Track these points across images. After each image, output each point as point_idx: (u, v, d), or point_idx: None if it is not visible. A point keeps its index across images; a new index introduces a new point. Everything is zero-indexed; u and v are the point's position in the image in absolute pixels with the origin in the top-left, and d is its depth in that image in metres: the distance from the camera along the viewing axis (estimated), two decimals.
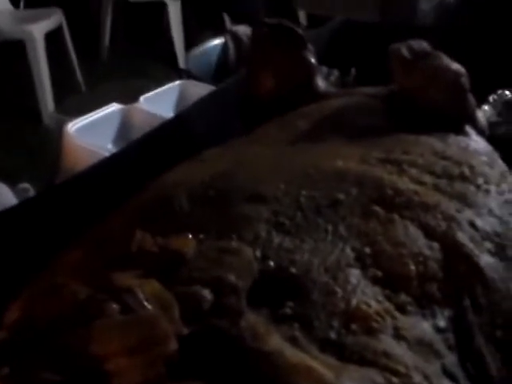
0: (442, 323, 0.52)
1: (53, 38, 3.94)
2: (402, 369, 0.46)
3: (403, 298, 0.52)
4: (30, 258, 0.72)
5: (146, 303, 0.45)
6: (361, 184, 0.61)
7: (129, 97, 1.59)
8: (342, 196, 0.59)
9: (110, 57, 4.56)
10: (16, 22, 3.81)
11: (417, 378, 0.46)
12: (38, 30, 3.65)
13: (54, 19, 3.85)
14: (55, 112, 3.80)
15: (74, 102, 3.84)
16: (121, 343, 0.40)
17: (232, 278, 0.50)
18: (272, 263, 0.52)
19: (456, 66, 0.77)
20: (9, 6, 4.01)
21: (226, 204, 0.60)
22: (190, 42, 4.32)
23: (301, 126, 0.76)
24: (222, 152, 0.73)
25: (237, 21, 4.07)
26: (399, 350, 0.48)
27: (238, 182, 0.63)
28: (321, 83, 0.89)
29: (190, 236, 0.54)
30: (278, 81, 0.87)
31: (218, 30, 4.20)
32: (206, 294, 0.48)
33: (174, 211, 0.60)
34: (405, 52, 0.78)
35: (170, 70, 4.12)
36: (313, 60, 0.88)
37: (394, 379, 0.45)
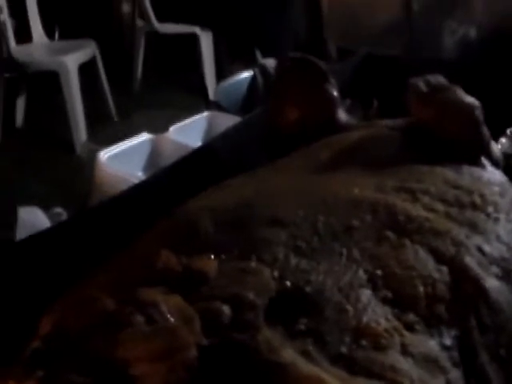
0: (448, 341, 0.55)
1: (87, 70, 4.02)
2: (407, 382, 0.49)
3: (411, 317, 0.55)
4: (62, 276, 0.76)
5: (168, 316, 0.48)
6: (375, 211, 0.64)
7: (159, 127, 1.64)
8: (356, 222, 0.63)
9: (141, 88, 4.63)
10: (51, 54, 3.90)
11: None
12: (71, 61, 3.73)
13: (87, 51, 3.93)
14: (87, 141, 3.87)
15: (106, 131, 3.91)
16: (145, 350, 0.44)
17: (250, 295, 0.53)
18: (288, 283, 0.56)
19: (471, 100, 0.80)
20: (44, 38, 4.11)
21: (247, 228, 0.63)
22: (221, 74, 4.40)
23: (322, 156, 0.80)
24: (246, 180, 0.77)
25: (267, 54, 4.14)
26: (406, 364, 0.51)
27: (259, 207, 0.66)
28: (342, 115, 0.93)
29: (212, 257, 0.57)
30: (302, 113, 0.91)
31: (249, 63, 4.28)
32: (226, 309, 0.52)
33: (199, 234, 0.64)
34: (422, 86, 0.81)
35: (199, 101, 4.19)
36: (335, 93, 0.92)
37: None
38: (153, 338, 0.45)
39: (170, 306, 0.49)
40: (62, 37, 4.61)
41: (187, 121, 1.27)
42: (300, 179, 0.75)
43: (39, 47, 3.94)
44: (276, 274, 0.57)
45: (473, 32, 1.39)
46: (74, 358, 0.46)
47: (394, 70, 1.24)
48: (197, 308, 0.51)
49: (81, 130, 3.78)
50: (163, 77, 4.72)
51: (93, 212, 0.82)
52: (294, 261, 0.59)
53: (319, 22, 4.10)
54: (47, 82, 4.07)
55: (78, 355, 0.46)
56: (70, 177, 3.54)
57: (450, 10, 1.39)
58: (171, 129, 1.22)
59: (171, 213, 0.73)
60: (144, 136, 1.19)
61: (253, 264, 0.58)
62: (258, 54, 4.50)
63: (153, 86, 4.62)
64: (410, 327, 0.54)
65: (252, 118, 1.04)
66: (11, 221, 0.92)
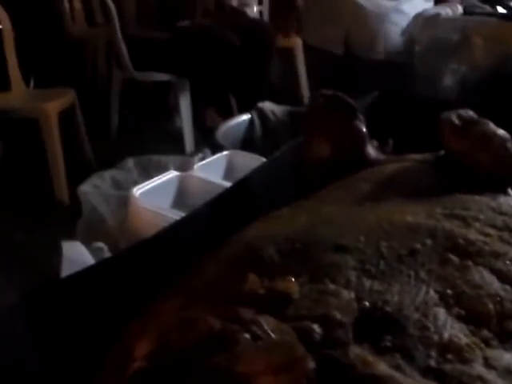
0: None
1: (64, 118, 4.04)
2: None
3: (486, 333, 0.58)
4: (112, 310, 0.78)
5: (271, 333, 0.51)
6: (433, 235, 0.67)
7: None
8: (418, 246, 0.66)
9: (119, 135, 4.66)
10: (30, 101, 3.92)
11: None
12: (52, 108, 3.75)
13: (67, 98, 3.96)
14: (67, 188, 3.87)
15: (86, 178, 3.92)
16: (266, 363, 0.46)
17: (337, 314, 0.56)
18: (367, 303, 0.59)
19: (502, 132, 0.84)
20: (23, 86, 4.13)
21: (313, 254, 0.66)
22: (197, 121, 4.45)
23: (363, 188, 0.83)
24: (294, 211, 0.80)
25: (242, 100, 4.20)
26: (491, 376, 0.54)
27: (320, 235, 0.69)
28: (371, 151, 0.96)
29: (293, 279, 0.60)
30: (333, 148, 0.94)
31: (224, 110, 4.33)
32: (316, 328, 0.55)
33: (264, 261, 0.67)
34: (455, 119, 0.85)
35: (177, 147, 4.22)
36: (364, 129, 0.95)
37: None
38: (273, 351, 0.47)
39: (269, 325, 0.52)
40: (36, 86, 4.64)
41: (209, 159, 1.32)
42: (347, 209, 0.78)
43: (18, 95, 3.95)
44: (352, 295, 0.60)
45: (472, 73, 1.44)
46: (188, 375, 0.48)
47: (407, 108, 1.28)
48: (289, 327, 0.54)
49: (61, 177, 3.79)
50: (140, 124, 4.75)
51: (139, 247, 0.84)
52: (367, 283, 0.61)
53: (294, 68, 4.18)
54: (26, 130, 4.08)
55: (193, 372, 0.48)
56: (51, 222, 3.53)
57: (450, 51, 1.44)
58: (195, 167, 1.26)
59: (225, 244, 0.76)
60: (171, 173, 1.23)
61: (330, 286, 0.60)
62: (233, 101, 4.56)
63: (130, 133, 4.65)
64: (486, 342, 0.57)
65: (282, 154, 1.08)
66: (56, 255, 0.94)
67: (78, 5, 5.32)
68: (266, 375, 0.46)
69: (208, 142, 1.74)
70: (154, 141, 4.47)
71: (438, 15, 1.57)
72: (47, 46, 5.04)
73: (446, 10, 1.62)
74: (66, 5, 5.20)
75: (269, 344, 0.48)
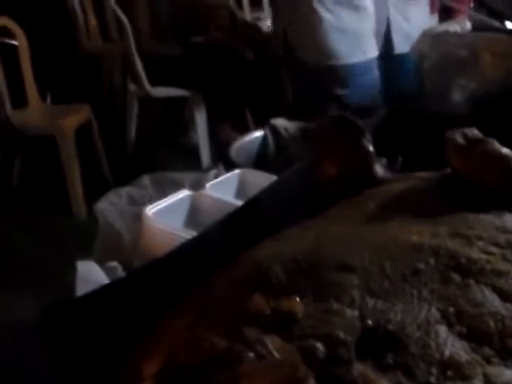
0: None
1: (81, 134, 4.08)
2: None
3: (487, 350, 0.60)
4: (126, 328, 0.80)
5: (275, 352, 0.53)
6: (437, 254, 0.69)
7: None
8: (421, 265, 0.68)
9: (135, 151, 4.70)
10: (47, 118, 3.97)
11: None
12: (68, 124, 3.80)
13: (83, 114, 4.01)
14: (84, 204, 3.90)
15: (103, 194, 3.95)
16: (269, 380, 0.48)
17: (341, 333, 0.58)
18: (370, 322, 0.60)
19: (507, 151, 0.86)
20: (40, 103, 4.18)
21: (318, 274, 0.68)
22: (213, 135, 4.48)
23: (370, 207, 0.84)
24: (302, 230, 0.82)
25: (257, 115, 4.23)
26: None
27: (326, 254, 0.71)
28: (379, 169, 0.98)
29: (298, 299, 0.62)
30: (341, 168, 0.96)
31: (239, 125, 4.35)
32: (320, 346, 0.56)
33: (271, 281, 0.68)
34: (459, 139, 0.87)
35: (193, 163, 4.26)
36: (371, 149, 0.97)
37: None
38: (275, 369, 0.49)
39: (274, 344, 0.54)
40: (53, 102, 4.69)
41: (221, 178, 1.34)
42: (356, 228, 0.80)
43: (35, 111, 4.00)
44: (356, 313, 0.61)
45: (482, 89, 1.45)
46: None
47: (415, 126, 1.30)
48: (294, 346, 0.56)
49: (78, 193, 3.83)
50: (156, 139, 4.79)
51: (153, 267, 0.86)
52: (370, 302, 0.63)
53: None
54: (42, 146, 4.12)
55: None
56: (68, 238, 3.57)
57: (459, 67, 1.46)
58: (207, 185, 1.28)
59: (234, 263, 0.78)
60: (183, 193, 1.25)
61: (335, 305, 0.62)
62: (248, 116, 4.59)
63: (146, 148, 4.69)
64: (487, 359, 0.59)
65: (291, 174, 1.10)
66: (70, 275, 0.96)
67: (92, 21, 5.38)
68: None
69: (222, 159, 1.76)
70: (171, 156, 4.51)
71: (446, 32, 1.58)
72: (63, 61, 5.10)
73: (454, 27, 1.64)
74: (81, 21, 5.26)
75: (272, 363, 0.50)
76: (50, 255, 3.42)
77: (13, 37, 4.04)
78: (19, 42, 4.04)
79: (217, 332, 0.55)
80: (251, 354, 0.52)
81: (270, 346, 0.53)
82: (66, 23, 5.32)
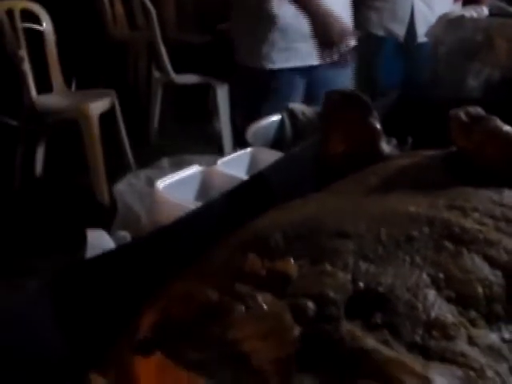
0: (507, 335, 0.61)
1: (105, 120, 4.11)
2: (477, 365, 0.55)
3: (473, 314, 0.62)
4: (132, 292, 0.82)
5: (264, 306, 0.55)
6: (432, 224, 0.71)
7: None
8: (416, 233, 0.70)
9: (158, 138, 4.73)
10: (72, 103, 4.00)
11: (489, 373, 0.55)
12: (93, 109, 3.83)
13: (107, 100, 4.04)
14: (108, 190, 3.93)
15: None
16: (256, 329, 0.50)
17: (331, 293, 0.60)
18: (361, 284, 0.62)
19: (509, 128, 0.87)
20: (64, 88, 4.22)
21: (316, 240, 0.70)
22: (235, 123, 4.49)
23: (372, 181, 0.86)
24: (305, 202, 0.84)
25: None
26: (473, 352, 0.57)
27: (324, 222, 0.73)
28: (385, 147, 1.00)
29: (292, 261, 0.64)
30: (348, 144, 0.98)
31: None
32: (310, 304, 0.59)
33: (270, 247, 0.71)
34: (463, 116, 0.88)
35: (215, 150, 4.28)
36: (378, 125, 0.99)
37: (471, 373, 0.55)
38: (262, 318, 0.51)
39: (264, 299, 0.56)
40: (78, 88, 4.72)
41: (233, 155, 1.36)
42: (355, 200, 0.82)
43: (60, 96, 4.04)
44: (349, 277, 0.64)
45: (496, 73, 1.46)
46: (187, 341, 0.52)
47: (426, 108, 1.32)
48: (285, 303, 0.58)
49: (101, 178, 3.86)
50: (180, 127, 4.81)
51: (156, 234, 0.88)
52: (363, 266, 0.65)
53: None
54: (66, 131, 4.16)
55: (192, 338, 0.52)
56: (91, 222, 3.60)
57: (473, 52, 1.47)
58: (219, 162, 1.30)
59: (237, 232, 0.80)
60: (195, 168, 1.28)
61: (328, 268, 0.64)
62: None
63: (169, 135, 4.71)
64: (472, 322, 0.61)
65: (300, 150, 1.12)
66: (80, 243, 0.99)
67: (119, 8, 5.42)
68: (254, 340, 0.50)
69: (239, 143, 1.78)
70: (193, 143, 4.53)
71: (462, 17, 1.59)
72: (89, 48, 5.14)
73: (470, 12, 1.65)
74: (108, 8, 5.30)
75: (259, 314, 0.52)
76: (73, 239, 3.46)
77: (39, 22, 4.08)
78: (45, 27, 4.09)
79: (210, 287, 0.57)
80: (241, 307, 0.54)
81: (260, 300, 0.55)
82: (93, 10, 5.36)
